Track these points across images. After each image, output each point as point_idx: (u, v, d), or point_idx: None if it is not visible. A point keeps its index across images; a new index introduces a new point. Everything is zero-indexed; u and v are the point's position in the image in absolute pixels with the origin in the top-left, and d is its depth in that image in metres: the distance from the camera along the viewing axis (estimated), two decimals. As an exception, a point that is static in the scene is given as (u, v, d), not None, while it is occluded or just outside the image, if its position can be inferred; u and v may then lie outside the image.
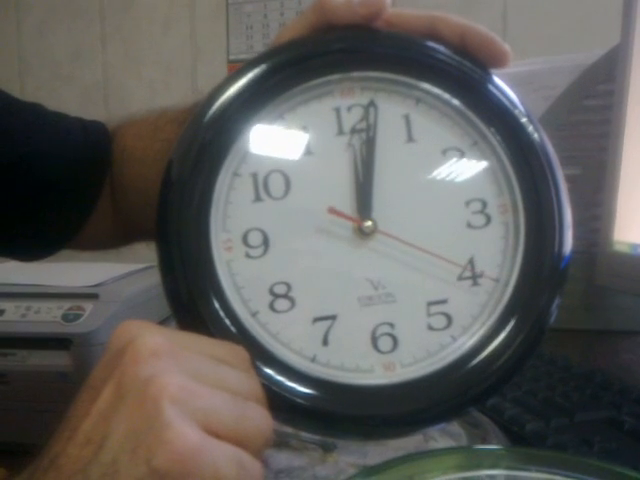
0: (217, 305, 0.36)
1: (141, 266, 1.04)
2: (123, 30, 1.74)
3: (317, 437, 0.44)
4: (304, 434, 0.44)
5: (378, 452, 0.43)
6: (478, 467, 0.33)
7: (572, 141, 0.85)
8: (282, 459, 0.43)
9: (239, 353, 0.34)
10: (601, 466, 0.32)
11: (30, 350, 0.82)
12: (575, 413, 0.50)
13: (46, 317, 0.83)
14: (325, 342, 0.37)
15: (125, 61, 1.75)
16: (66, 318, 0.82)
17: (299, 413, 0.36)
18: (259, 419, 0.31)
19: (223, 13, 1.68)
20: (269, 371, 0.35)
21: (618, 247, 0.74)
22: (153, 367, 0.29)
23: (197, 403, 0.29)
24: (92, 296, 0.86)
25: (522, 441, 0.48)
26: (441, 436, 0.45)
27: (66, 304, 0.84)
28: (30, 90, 1.76)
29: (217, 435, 0.29)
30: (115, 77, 1.76)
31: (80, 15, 1.76)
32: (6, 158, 0.57)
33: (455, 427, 0.46)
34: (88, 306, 0.84)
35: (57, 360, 0.80)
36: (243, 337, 0.35)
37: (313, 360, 0.36)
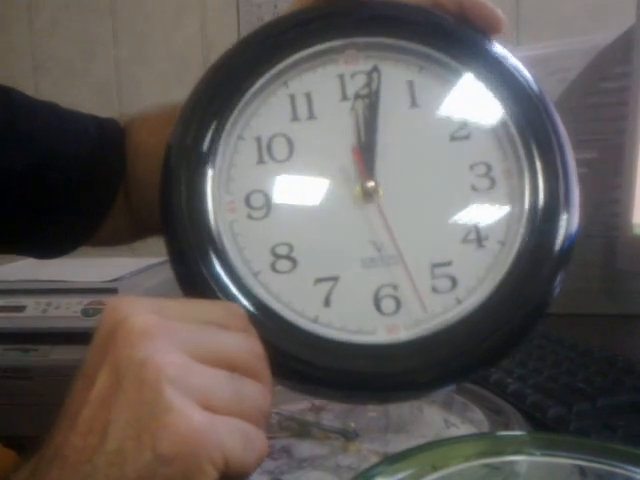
0: (219, 265, 0.36)
1: (158, 260, 1.04)
2: (134, 25, 1.74)
3: (339, 426, 0.44)
4: (326, 423, 0.44)
5: (400, 440, 0.43)
6: (501, 453, 0.33)
7: (588, 124, 0.84)
8: (305, 448, 0.43)
9: (235, 312, 0.33)
10: (625, 451, 0.32)
11: (52, 345, 0.83)
12: (597, 398, 0.50)
13: (66, 312, 0.84)
14: (327, 303, 0.36)
15: (137, 56, 1.75)
16: (86, 313, 0.83)
17: (300, 371, 0.35)
18: (257, 393, 0.31)
19: (234, 5, 1.67)
20: (271, 329, 0.35)
21: (638, 230, 0.73)
22: (146, 348, 0.29)
23: (195, 380, 0.29)
24: (111, 290, 0.87)
25: (544, 427, 0.47)
26: (463, 423, 0.45)
27: (86, 299, 0.85)
28: (44, 88, 1.77)
29: (217, 411, 0.29)
30: (128, 72, 1.76)
31: (91, 11, 1.76)
32: (27, 161, 0.58)
33: (477, 414, 0.45)
34: (107, 301, 0.84)
35: (78, 355, 0.81)
36: (245, 297, 0.35)
37: (315, 321, 0.36)
